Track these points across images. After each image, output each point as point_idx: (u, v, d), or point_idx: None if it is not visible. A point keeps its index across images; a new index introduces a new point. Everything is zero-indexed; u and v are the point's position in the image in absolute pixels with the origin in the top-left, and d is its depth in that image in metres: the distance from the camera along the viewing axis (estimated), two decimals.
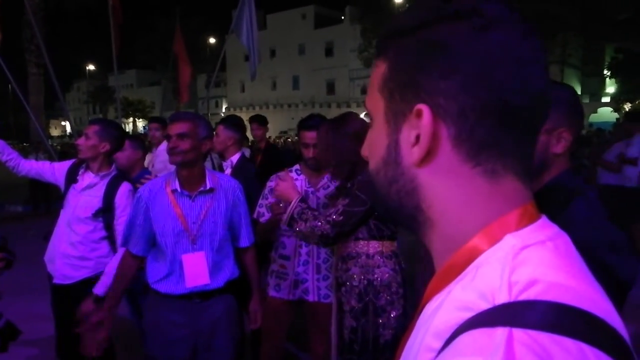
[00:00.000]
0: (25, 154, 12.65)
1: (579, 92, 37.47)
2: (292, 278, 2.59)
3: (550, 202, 1.17)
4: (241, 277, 2.38)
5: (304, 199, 2.17)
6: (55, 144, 25.48)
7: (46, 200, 9.41)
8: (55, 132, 53.80)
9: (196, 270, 2.16)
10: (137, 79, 64.95)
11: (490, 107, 0.46)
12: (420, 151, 0.50)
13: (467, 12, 0.46)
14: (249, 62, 6.63)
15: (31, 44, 11.90)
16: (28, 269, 3.41)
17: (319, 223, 2.06)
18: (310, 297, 2.57)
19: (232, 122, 3.42)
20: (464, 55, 0.46)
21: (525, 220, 0.48)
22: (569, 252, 0.48)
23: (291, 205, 2.14)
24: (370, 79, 0.57)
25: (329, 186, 2.60)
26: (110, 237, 2.65)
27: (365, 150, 0.59)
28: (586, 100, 35.36)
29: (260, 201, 2.73)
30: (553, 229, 0.50)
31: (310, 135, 2.52)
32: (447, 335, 0.43)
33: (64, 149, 15.09)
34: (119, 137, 2.72)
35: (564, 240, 0.50)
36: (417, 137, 0.49)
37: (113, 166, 2.73)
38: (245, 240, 2.38)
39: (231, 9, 6.97)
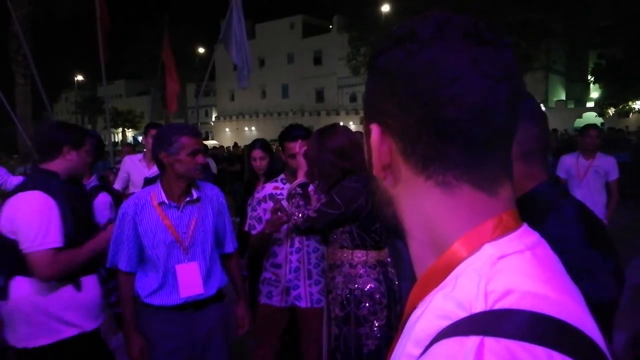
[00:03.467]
0: (13, 165, 12.54)
1: (564, 98, 38.07)
2: (284, 285, 2.60)
3: (526, 215, 1.17)
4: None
5: (303, 185, 2.31)
6: None
7: None
8: None
9: (190, 280, 2.16)
10: (126, 89, 64.61)
11: (426, 123, 0.49)
12: (375, 165, 0.56)
13: (404, 38, 0.50)
14: (239, 71, 6.62)
15: (18, 55, 11.84)
16: None
17: (297, 214, 2.19)
18: (302, 304, 2.59)
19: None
20: (398, 78, 0.51)
21: (501, 230, 0.50)
22: (548, 260, 0.49)
23: (294, 184, 2.33)
24: None
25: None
26: None
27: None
28: (571, 106, 35.88)
29: (250, 213, 2.74)
30: (533, 237, 0.51)
31: (294, 146, 2.51)
32: (426, 343, 0.44)
33: None
34: (96, 146, 2.70)
35: (544, 248, 0.51)
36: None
37: (93, 177, 2.73)
38: (230, 246, 2.40)
39: (219, 18, 6.93)
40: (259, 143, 3.47)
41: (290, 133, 2.62)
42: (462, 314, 0.43)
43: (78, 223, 2.16)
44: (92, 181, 2.70)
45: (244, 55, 6.47)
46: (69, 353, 2.13)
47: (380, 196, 0.58)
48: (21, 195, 2.02)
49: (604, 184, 4.54)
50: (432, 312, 0.47)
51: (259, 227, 2.64)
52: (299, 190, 2.27)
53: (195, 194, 2.21)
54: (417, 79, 0.49)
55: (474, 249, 0.49)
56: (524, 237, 0.50)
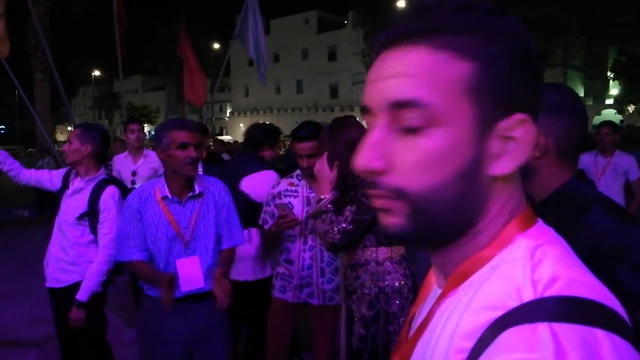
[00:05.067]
0: (32, 159, 12.76)
1: (582, 95, 37.39)
2: (297, 282, 2.60)
3: (564, 211, 1.14)
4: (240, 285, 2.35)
5: (333, 202, 2.12)
6: (61, 149, 25.65)
7: (52, 206, 9.40)
8: (61, 138, 54.06)
9: (191, 274, 2.18)
10: (143, 84, 65.24)
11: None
12: (515, 163, 0.50)
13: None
14: (258, 67, 6.62)
15: (37, 50, 12.03)
16: (34, 273, 3.48)
17: (332, 230, 2.05)
18: (315, 301, 2.58)
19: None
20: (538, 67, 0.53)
21: (529, 222, 0.53)
22: (570, 250, 0.52)
23: (322, 202, 2.11)
24: (434, 75, 0.48)
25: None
26: (97, 241, 2.68)
27: (379, 161, 0.51)
28: (590, 103, 35.24)
29: (264, 208, 2.75)
30: (551, 230, 0.54)
31: (302, 147, 2.49)
32: (478, 334, 0.44)
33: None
34: (100, 138, 2.72)
35: (562, 240, 0.53)
36: (506, 147, 0.50)
37: (101, 170, 2.74)
38: (226, 242, 2.36)
39: (234, 15, 6.96)
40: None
41: (299, 132, 2.54)
42: (512, 303, 0.44)
43: None
44: (100, 174, 2.71)
45: (261, 50, 6.48)
46: (262, 288, 2.90)
47: (472, 201, 0.51)
48: (261, 173, 2.95)
49: (623, 183, 4.45)
50: (476, 303, 0.47)
51: (271, 222, 2.65)
52: (330, 207, 2.10)
53: (197, 189, 2.22)
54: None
55: (504, 244, 0.51)
56: (546, 230, 0.53)
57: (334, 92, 48.10)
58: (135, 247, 2.18)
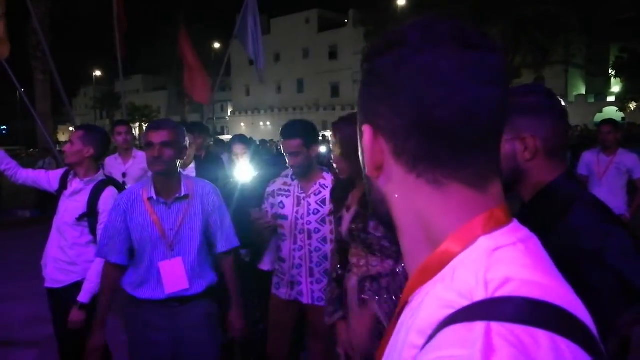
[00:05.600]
0: (33, 160, 12.77)
1: (584, 92, 37.34)
2: (288, 279, 2.62)
3: (546, 209, 1.17)
4: (221, 285, 2.36)
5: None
6: (62, 150, 25.69)
7: (54, 206, 9.40)
8: (63, 138, 54.11)
9: (174, 276, 2.18)
10: (144, 84, 65.31)
11: (415, 124, 0.52)
12: (367, 165, 0.58)
13: (395, 43, 0.53)
14: (256, 66, 6.64)
15: (37, 51, 12.04)
16: (36, 273, 3.48)
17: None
18: (304, 299, 2.59)
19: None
20: (390, 81, 0.53)
21: (493, 224, 0.52)
22: (539, 253, 0.52)
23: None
24: None
25: (320, 192, 2.59)
26: (96, 242, 2.68)
27: None
28: (591, 100, 35.19)
29: (263, 205, 2.77)
30: (523, 231, 0.54)
31: (289, 144, 2.46)
32: (430, 332, 0.46)
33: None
34: (102, 141, 2.75)
35: (534, 242, 0.53)
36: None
37: (100, 172, 2.76)
38: (222, 245, 2.34)
39: (235, 14, 6.97)
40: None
41: (287, 130, 2.53)
42: (464, 302, 0.45)
43: None
44: (99, 175, 2.73)
45: (258, 50, 6.50)
46: None
47: (374, 195, 0.60)
48: None
49: (626, 181, 4.42)
50: (433, 302, 0.49)
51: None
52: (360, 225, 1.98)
53: (184, 191, 2.21)
54: (408, 83, 0.52)
55: (468, 243, 0.51)
56: (516, 231, 0.53)
57: (335, 90, 48.09)
58: (117, 249, 2.22)
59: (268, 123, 50.35)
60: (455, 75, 0.50)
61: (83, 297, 2.54)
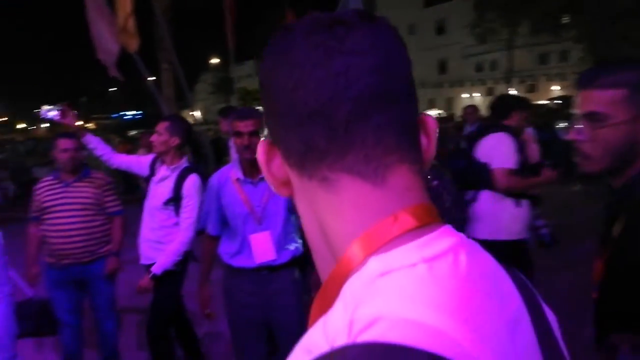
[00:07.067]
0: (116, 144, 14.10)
1: None
2: None
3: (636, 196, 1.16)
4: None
5: None
6: (151, 140, 28.09)
7: (137, 189, 9.56)
8: None
9: (263, 248, 2.42)
10: (256, 69, 68.12)
11: (286, 115, 0.47)
12: (272, 184, 0.52)
13: (265, 52, 0.51)
14: None
15: (162, 42, 13.30)
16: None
17: None
18: None
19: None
20: (263, 85, 0.51)
21: (396, 232, 0.42)
22: (455, 274, 0.40)
23: None
24: None
25: None
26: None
27: None
28: None
29: None
30: (441, 244, 0.42)
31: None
32: None
33: (194, 137, 16.52)
34: (187, 131, 2.97)
35: (454, 259, 0.41)
36: None
37: (184, 159, 2.98)
38: None
39: None
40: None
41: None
42: (324, 349, 0.37)
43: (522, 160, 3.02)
44: (183, 163, 2.93)
45: None
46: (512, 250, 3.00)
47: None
48: (493, 135, 3.05)
49: None
50: (302, 342, 0.41)
51: None
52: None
53: None
54: (272, 78, 0.48)
55: (357, 263, 0.42)
56: (427, 245, 0.42)
57: (442, 67, 46.14)
58: (212, 222, 2.55)
59: None
60: (309, 54, 0.45)
61: (156, 268, 2.81)
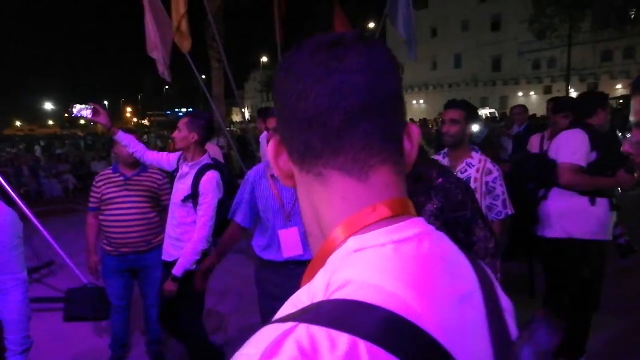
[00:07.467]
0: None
1: None
2: None
3: None
4: None
5: None
6: (235, 129, 28.84)
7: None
8: (236, 118, 60.47)
9: (291, 243, 2.49)
10: None
11: (290, 119, 0.55)
12: (278, 175, 0.61)
13: (279, 64, 0.58)
14: (408, 44, 6.55)
15: (213, 42, 13.63)
16: None
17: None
18: None
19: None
20: (275, 94, 0.59)
21: (372, 219, 0.51)
22: (416, 256, 0.49)
23: None
24: None
25: (466, 170, 2.66)
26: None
27: None
28: None
29: None
30: (408, 231, 0.51)
31: (453, 112, 2.69)
32: None
33: (242, 134, 16.93)
34: (206, 127, 2.90)
35: (417, 244, 0.50)
36: None
37: (204, 155, 2.91)
38: None
39: None
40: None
41: (448, 102, 2.76)
42: (306, 303, 0.46)
43: (605, 155, 2.85)
44: (203, 159, 2.89)
45: (411, 27, 6.40)
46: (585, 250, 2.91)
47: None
48: (568, 131, 2.98)
49: None
50: (291, 299, 0.50)
51: None
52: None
53: None
54: (280, 88, 0.57)
55: (340, 242, 0.52)
56: (396, 231, 0.51)
57: (496, 64, 44.67)
58: (241, 212, 2.64)
59: (421, 101, 49.15)
60: (312, 70, 0.53)
61: (177, 270, 2.76)
